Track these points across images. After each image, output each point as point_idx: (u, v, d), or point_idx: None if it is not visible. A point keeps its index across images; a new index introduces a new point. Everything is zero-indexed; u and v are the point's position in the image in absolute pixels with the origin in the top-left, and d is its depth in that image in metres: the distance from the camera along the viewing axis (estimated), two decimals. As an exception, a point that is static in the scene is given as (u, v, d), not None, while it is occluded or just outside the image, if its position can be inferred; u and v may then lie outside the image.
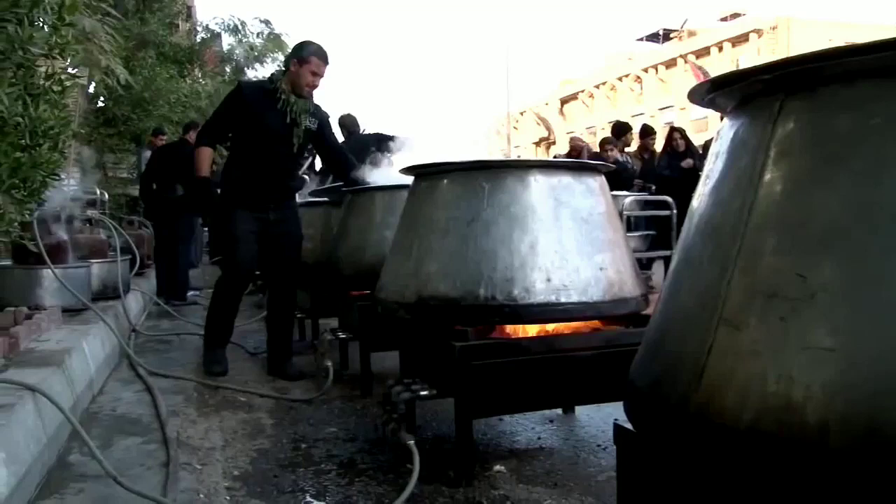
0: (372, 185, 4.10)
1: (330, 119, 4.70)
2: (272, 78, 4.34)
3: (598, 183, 2.80)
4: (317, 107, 4.39)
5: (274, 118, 4.17)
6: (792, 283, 1.02)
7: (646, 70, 46.03)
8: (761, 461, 1.01)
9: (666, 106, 44.02)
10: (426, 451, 2.63)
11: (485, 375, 2.49)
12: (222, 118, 4.33)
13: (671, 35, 47.46)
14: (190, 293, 8.59)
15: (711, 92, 1.31)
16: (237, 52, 17.59)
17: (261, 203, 4.28)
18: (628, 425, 1.45)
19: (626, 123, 10.21)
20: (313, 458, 2.86)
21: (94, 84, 10.99)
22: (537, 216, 2.59)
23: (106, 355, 4.19)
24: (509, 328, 2.70)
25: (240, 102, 4.22)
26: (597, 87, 50.27)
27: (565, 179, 2.68)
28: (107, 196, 9.56)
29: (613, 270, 2.65)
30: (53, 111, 3.63)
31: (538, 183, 2.64)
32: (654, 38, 49.97)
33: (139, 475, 2.56)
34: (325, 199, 5.25)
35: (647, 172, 9.11)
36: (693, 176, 7.67)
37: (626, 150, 9.84)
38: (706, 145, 8.51)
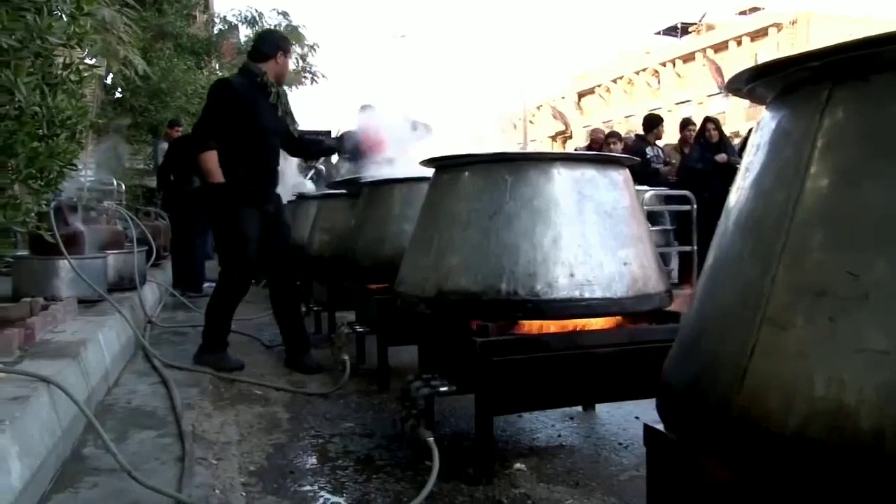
0: (391, 178, 4.05)
1: None
2: (253, 71, 4.21)
3: (622, 176, 2.75)
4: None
5: (268, 112, 4.15)
6: (842, 281, 0.97)
7: (663, 64, 45.74)
8: (809, 468, 0.96)
9: (683, 100, 43.76)
10: (445, 447, 2.59)
11: (506, 372, 2.44)
12: (220, 115, 4.12)
13: (689, 29, 47.13)
14: (206, 285, 8.57)
15: (752, 81, 1.25)
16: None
17: (264, 198, 4.27)
18: (659, 426, 1.40)
19: (658, 116, 9.76)
20: (330, 454, 2.82)
21: (111, 75, 11.01)
22: (560, 210, 2.54)
23: (121, 347, 4.17)
24: (530, 324, 2.65)
25: (233, 98, 4.09)
26: (614, 81, 50.00)
27: (589, 172, 2.63)
28: (123, 187, 9.60)
29: (637, 265, 2.60)
30: (71, 101, 3.60)
31: (561, 176, 2.58)
32: (671, 31, 49.61)
33: (154, 469, 2.53)
34: (343, 191, 5.20)
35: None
36: (726, 170, 7.45)
37: (660, 142, 9.60)
38: (744, 141, 8.16)
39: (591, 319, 2.68)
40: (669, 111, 44.20)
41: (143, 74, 8.23)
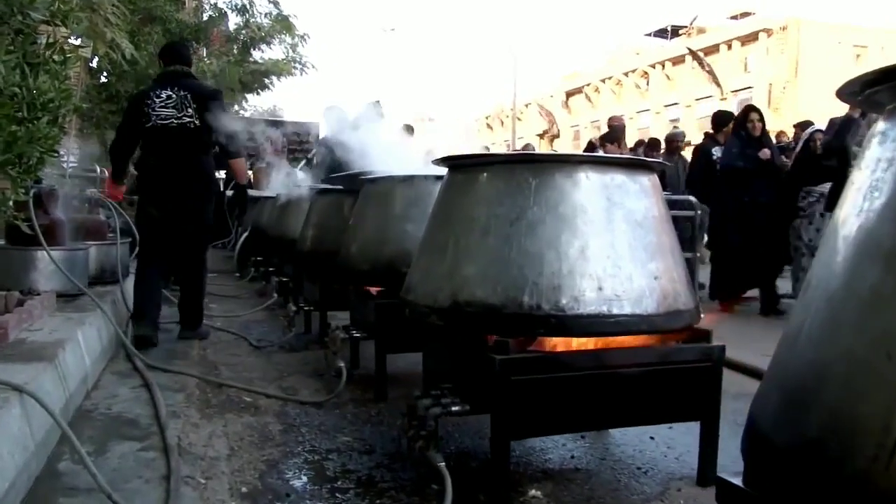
0: (392, 175, 3.82)
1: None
2: None
3: (651, 182, 2.54)
4: None
5: None
6: None
7: (653, 66, 45.70)
8: None
9: (671, 103, 43.73)
10: (451, 468, 2.37)
11: (526, 392, 2.24)
12: None
13: (680, 31, 47.08)
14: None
15: (872, 86, 1.05)
16: (243, 32, 17.24)
17: None
18: (736, 480, 1.20)
19: (729, 113, 8.36)
20: (328, 474, 2.60)
21: (97, 58, 10.69)
22: (588, 217, 2.33)
23: (102, 347, 3.93)
24: (549, 340, 2.44)
25: None
26: (602, 81, 49.95)
27: (619, 177, 2.42)
28: (107, 173, 9.30)
29: (668, 279, 2.40)
30: (54, 82, 3.36)
31: (589, 180, 2.37)
32: (662, 33, 49.60)
33: (137, 490, 2.31)
34: (338, 187, 4.97)
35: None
36: (769, 169, 6.69)
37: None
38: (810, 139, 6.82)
39: (614, 337, 2.47)
40: (658, 113, 44.29)
41: (130, 59, 7.93)
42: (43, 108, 3.30)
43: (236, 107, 19.90)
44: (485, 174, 2.48)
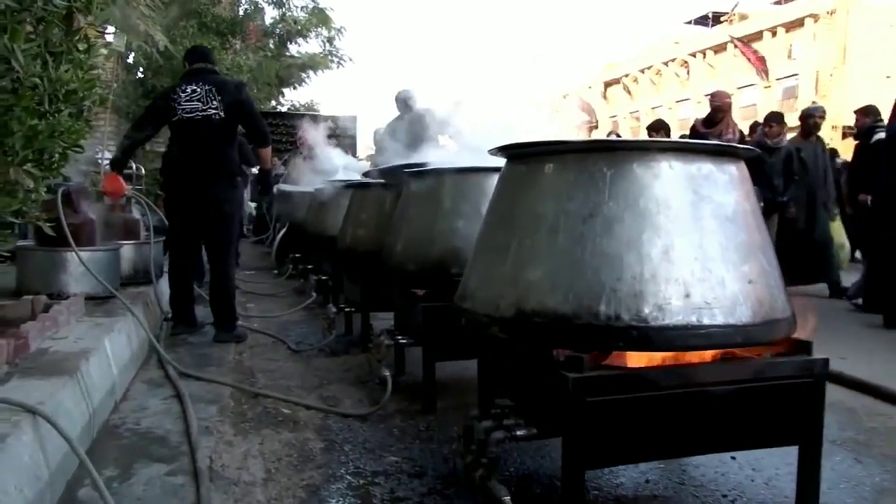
0: (440, 166, 3.53)
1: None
2: None
3: (740, 172, 2.22)
4: None
5: None
6: None
7: (693, 55, 44.78)
8: None
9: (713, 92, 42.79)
10: (512, 493, 2.09)
11: (604, 415, 1.94)
12: None
13: (721, 18, 46.03)
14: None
15: None
16: (280, 26, 17.08)
17: None
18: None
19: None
20: (374, 502, 2.33)
21: (132, 54, 10.58)
22: (672, 213, 2.02)
23: (132, 353, 3.71)
24: (624, 355, 2.13)
25: None
26: (641, 71, 49.12)
27: (706, 167, 2.10)
28: (143, 171, 9.13)
29: (763, 284, 2.08)
30: (76, 72, 3.13)
31: (673, 170, 2.06)
32: (702, 21, 48.56)
33: (163, 524, 2.06)
34: (380, 180, 4.69)
35: None
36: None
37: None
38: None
39: (699, 351, 2.16)
40: (699, 102, 43.38)
41: (164, 52, 7.74)
42: (65, 100, 3.08)
43: (273, 102, 19.79)
44: (552, 165, 2.18)
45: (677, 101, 45.05)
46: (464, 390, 3.36)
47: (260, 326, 5.35)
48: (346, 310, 4.79)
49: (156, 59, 9.06)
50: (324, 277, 6.06)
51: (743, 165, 2.26)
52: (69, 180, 4.27)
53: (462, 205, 3.30)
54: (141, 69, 11.12)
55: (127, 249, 5.06)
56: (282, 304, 6.67)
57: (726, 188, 2.13)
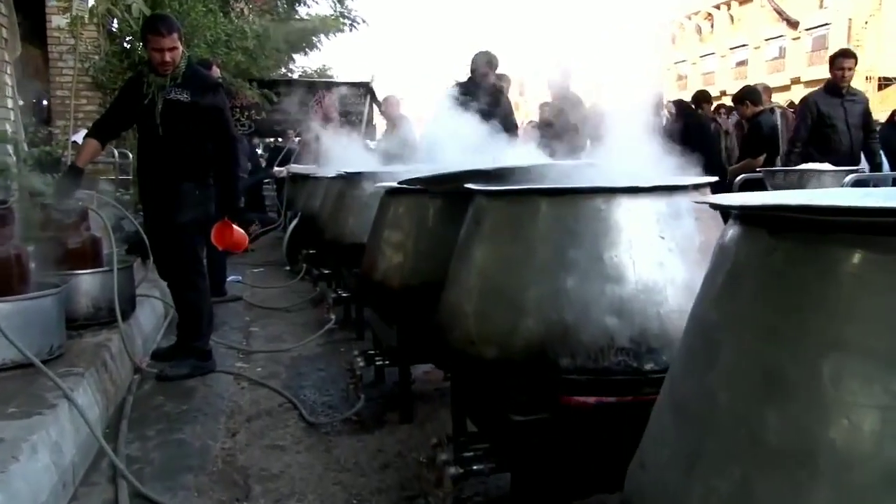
0: (532, 187, 2.21)
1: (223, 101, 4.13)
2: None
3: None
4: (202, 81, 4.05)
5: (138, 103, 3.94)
6: None
7: (717, 6, 42.73)
8: None
9: (738, 45, 40.87)
10: None
11: None
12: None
13: (747, -33, 43.87)
14: (230, 278, 6.82)
15: None
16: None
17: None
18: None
19: None
20: None
21: (116, 21, 9.24)
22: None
23: (65, 466, 2.47)
24: None
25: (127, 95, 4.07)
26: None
27: None
28: (130, 157, 7.80)
29: None
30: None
31: None
32: (727, -29, 46.37)
33: None
34: (418, 187, 3.32)
35: None
36: None
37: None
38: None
39: None
40: (723, 56, 41.57)
41: (139, 16, 6.36)
42: None
43: (283, 69, 18.38)
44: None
45: (701, 56, 43.20)
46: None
47: (265, 368, 4.13)
48: (378, 361, 3.53)
49: (128, 24, 7.70)
50: (344, 295, 4.80)
51: None
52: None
53: (574, 249, 1.99)
54: (127, 39, 9.77)
55: (85, 281, 3.80)
56: (293, 322, 5.44)
57: None
